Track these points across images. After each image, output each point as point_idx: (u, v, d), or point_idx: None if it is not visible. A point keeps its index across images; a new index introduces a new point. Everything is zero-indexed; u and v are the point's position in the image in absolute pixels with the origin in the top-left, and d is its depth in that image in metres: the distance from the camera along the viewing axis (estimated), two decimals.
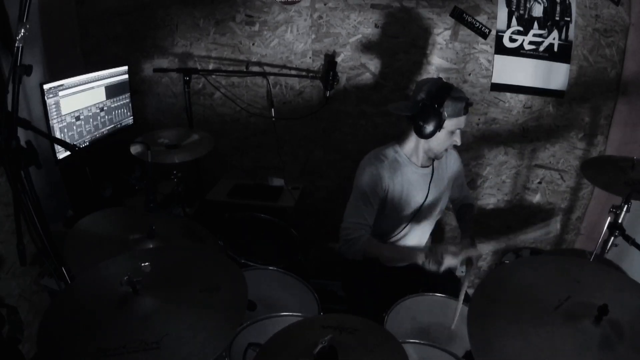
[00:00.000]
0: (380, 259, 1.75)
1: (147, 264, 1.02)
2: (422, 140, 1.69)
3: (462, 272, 2.74)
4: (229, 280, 1.09)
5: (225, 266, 1.15)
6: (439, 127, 1.61)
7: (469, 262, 1.61)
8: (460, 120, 1.64)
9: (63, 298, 1.07)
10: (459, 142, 1.69)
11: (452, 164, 1.90)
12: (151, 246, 1.36)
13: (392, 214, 1.79)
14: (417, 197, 1.79)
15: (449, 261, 1.52)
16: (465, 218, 1.97)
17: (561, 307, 0.94)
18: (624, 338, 0.89)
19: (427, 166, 1.79)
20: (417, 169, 1.77)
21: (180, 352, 0.88)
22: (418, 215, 1.81)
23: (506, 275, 1.11)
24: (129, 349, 0.87)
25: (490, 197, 2.59)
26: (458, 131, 1.67)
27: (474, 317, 0.98)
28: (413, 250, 1.73)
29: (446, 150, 1.72)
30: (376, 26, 2.28)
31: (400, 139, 1.77)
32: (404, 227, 1.82)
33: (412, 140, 1.74)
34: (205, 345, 0.90)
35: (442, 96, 1.60)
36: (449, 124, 1.62)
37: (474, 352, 0.92)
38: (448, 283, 1.80)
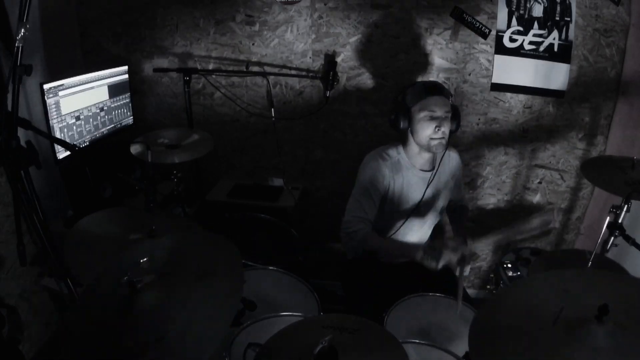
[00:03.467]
0: (380, 253, 1.77)
1: (145, 259, 1.02)
2: (414, 139, 1.73)
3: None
4: (224, 263, 1.09)
5: (219, 249, 1.15)
6: (405, 116, 1.69)
7: (461, 260, 1.61)
8: (425, 103, 1.66)
9: (77, 309, 1.07)
10: (441, 129, 1.65)
11: (453, 166, 1.90)
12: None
13: (390, 211, 1.81)
14: (414, 198, 1.80)
15: (447, 257, 1.52)
16: (459, 219, 1.98)
17: (559, 319, 0.92)
18: (624, 338, 0.89)
19: (428, 170, 1.80)
20: (417, 172, 1.79)
21: (183, 343, 0.88)
22: (415, 214, 1.82)
23: (500, 302, 1.10)
24: (132, 348, 0.87)
25: (490, 197, 2.59)
26: (436, 115, 1.65)
27: (476, 352, 0.96)
28: (412, 246, 1.76)
29: (436, 141, 1.67)
30: (376, 26, 2.28)
31: (403, 142, 1.80)
32: (401, 225, 1.83)
33: (411, 143, 1.76)
34: (206, 331, 0.90)
35: (404, 89, 1.73)
36: (416, 110, 1.68)
37: None
38: (448, 283, 1.80)
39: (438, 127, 1.65)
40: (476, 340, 0.97)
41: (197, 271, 1.05)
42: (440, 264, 1.52)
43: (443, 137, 1.67)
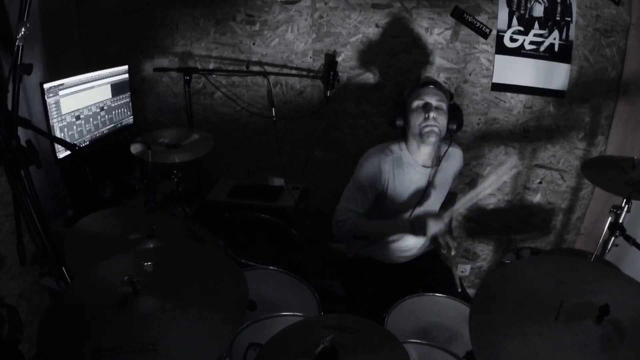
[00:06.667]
0: (370, 236, 1.80)
1: (149, 263, 1.02)
2: (409, 132, 1.75)
3: (462, 271, 2.75)
4: (229, 282, 1.08)
5: (226, 268, 1.15)
6: (401, 111, 1.75)
7: (441, 245, 1.63)
8: (416, 94, 1.72)
9: (63, 297, 1.06)
10: (431, 115, 1.66)
11: (456, 162, 1.91)
12: (151, 246, 1.35)
13: (391, 207, 1.81)
14: (415, 195, 1.80)
15: (433, 226, 1.58)
16: (448, 202, 1.98)
17: (562, 308, 0.94)
18: (625, 338, 0.89)
19: (430, 166, 1.80)
20: (419, 168, 1.79)
21: (176, 355, 0.87)
22: (417, 210, 1.82)
23: (507, 276, 1.11)
24: (125, 349, 0.86)
25: (491, 197, 2.58)
26: (425, 101, 1.69)
27: (476, 318, 0.98)
28: (399, 221, 1.77)
29: (427, 128, 1.67)
30: (377, 26, 2.28)
31: (404, 139, 1.81)
32: None
33: (410, 138, 1.77)
34: (203, 348, 0.89)
35: (403, 89, 1.81)
36: (409, 102, 1.73)
37: (476, 353, 0.91)
38: (448, 283, 1.80)
39: (427, 112, 1.67)
40: (479, 307, 1.01)
41: (201, 286, 1.04)
42: (429, 232, 1.58)
43: (435, 125, 1.67)
